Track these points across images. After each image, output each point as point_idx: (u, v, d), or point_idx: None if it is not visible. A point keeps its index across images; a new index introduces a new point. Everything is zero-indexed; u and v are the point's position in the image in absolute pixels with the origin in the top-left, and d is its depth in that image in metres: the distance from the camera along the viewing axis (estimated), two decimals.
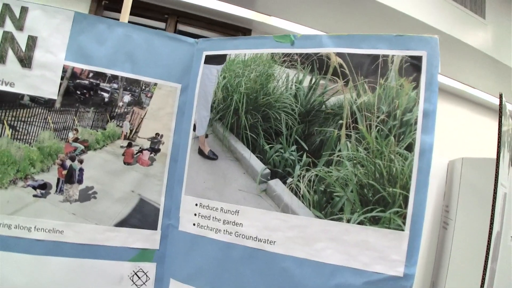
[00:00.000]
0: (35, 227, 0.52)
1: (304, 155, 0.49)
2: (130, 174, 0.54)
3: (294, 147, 0.49)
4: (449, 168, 0.89)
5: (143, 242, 0.55)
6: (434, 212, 0.88)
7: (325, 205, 0.47)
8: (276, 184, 0.50)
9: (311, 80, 0.49)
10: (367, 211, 0.46)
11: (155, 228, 0.55)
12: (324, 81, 0.49)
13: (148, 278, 0.57)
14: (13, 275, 0.52)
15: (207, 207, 0.53)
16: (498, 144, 0.59)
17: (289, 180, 0.49)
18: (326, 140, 0.48)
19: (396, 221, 0.45)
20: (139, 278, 0.56)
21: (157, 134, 0.55)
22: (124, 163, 0.54)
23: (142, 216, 0.55)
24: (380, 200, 0.45)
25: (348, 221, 0.46)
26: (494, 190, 0.62)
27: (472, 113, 1.44)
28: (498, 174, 0.62)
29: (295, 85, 0.50)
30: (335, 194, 0.47)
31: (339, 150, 0.47)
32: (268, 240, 0.50)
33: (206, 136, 0.54)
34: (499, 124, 0.59)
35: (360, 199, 0.46)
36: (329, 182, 0.47)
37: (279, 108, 0.50)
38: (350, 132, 0.47)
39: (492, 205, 0.62)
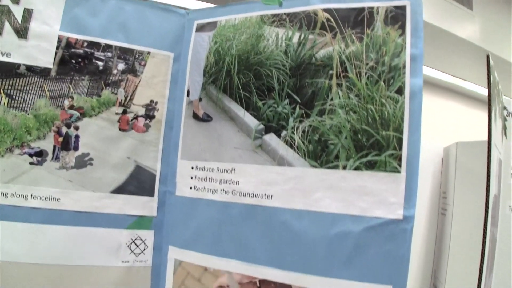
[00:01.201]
0: (31, 195, 0.52)
1: (297, 108, 0.50)
2: (125, 141, 0.55)
3: (286, 101, 0.51)
4: (444, 154, 0.89)
5: (140, 209, 0.56)
6: (432, 200, 0.88)
7: (320, 154, 0.48)
8: (270, 139, 0.51)
9: (300, 36, 0.51)
10: (362, 156, 0.47)
11: (152, 194, 0.56)
12: (313, 36, 0.51)
13: (146, 247, 0.57)
14: (10, 245, 0.52)
15: (203, 169, 0.54)
16: (489, 98, 0.61)
17: (284, 133, 0.50)
18: (318, 91, 0.49)
19: (391, 164, 0.46)
20: (137, 246, 0.56)
21: (151, 101, 0.56)
22: (120, 129, 0.55)
23: (138, 183, 0.55)
24: (375, 144, 0.46)
25: (344, 167, 0.47)
26: (488, 150, 0.63)
27: (464, 106, 1.46)
28: (491, 134, 0.63)
29: (285, 42, 0.52)
30: (329, 142, 0.48)
31: (331, 99, 0.49)
32: (265, 195, 0.50)
33: (200, 99, 0.55)
34: (488, 79, 0.60)
35: (355, 144, 0.47)
36: (323, 131, 0.49)
37: (270, 65, 0.52)
38: (341, 81, 0.49)
39: (488, 166, 0.63)
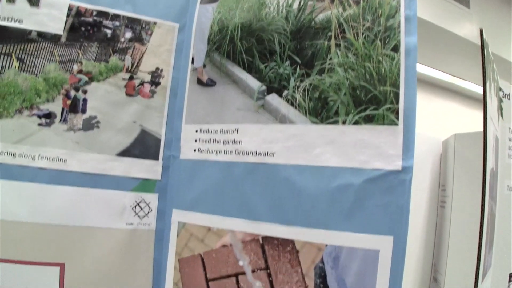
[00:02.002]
0: (39, 156, 0.54)
1: (298, 68, 0.53)
2: (131, 106, 0.58)
3: (287, 62, 0.54)
4: (443, 148, 0.90)
5: (145, 172, 0.58)
6: (431, 194, 0.89)
7: (320, 110, 0.51)
8: (272, 98, 0.54)
9: (300, 2, 0.55)
10: (361, 110, 0.49)
11: (156, 158, 0.58)
12: (312, 1, 0.54)
13: (150, 210, 0.58)
14: (16, 205, 0.54)
15: (207, 131, 0.57)
16: (483, 70, 0.64)
17: (285, 92, 0.53)
18: (317, 52, 0.53)
19: (389, 117, 0.48)
20: (141, 209, 0.58)
21: (157, 68, 0.59)
22: (126, 94, 0.58)
23: (143, 146, 0.58)
24: (373, 99, 0.49)
25: (344, 122, 0.50)
26: (484, 121, 0.66)
27: (462, 106, 1.50)
28: (486, 106, 0.66)
29: (286, 9, 0.55)
30: (329, 99, 0.51)
31: (330, 59, 0.52)
32: (267, 152, 0.53)
33: (204, 66, 0.59)
34: (482, 52, 0.64)
35: (353, 100, 0.50)
36: (323, 88, 0.51)
37: (272, 31, 0.55)
38: (339, 42, 0.52)
39: (484, 139, 0.65)
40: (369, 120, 0.49)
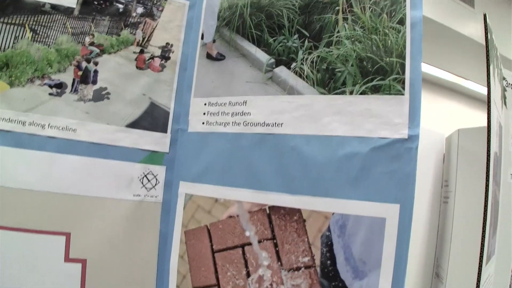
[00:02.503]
0: (49, 125, 0.56)
1: (306, 41, 0.55)
2: (141, 78, 0.60)
3: (296, 36, 0.56)
4: (446, 144, 0.92)
5: (153, 144, 0.59)
6: (434, 191, 0.90)
7: (328, 81, 0.53)
8: (281, 71, 0.55)
9: None
10: (368, 81, 0.51)
11: (165, 131, 0.60)
12: None
13: (157, 182, 0.59)
14: (25, 173, 0.55)
15: (215, 104, 0.58)
16: (486, 54, 0.66)
17: (293, 64, 0.55)
18: (325, 25, 0.54)
19: (395, 87, 0.50)
20: (148, 181, 0.59)
21: (167, 43, 0.61)
22: (136, 67, 0.60)
23: (152, 119, 0.59)
24: (379, 70, 0.51)
25: (351, 93, 0.52)
26: (488, 104, 0.67)
27: (466, 107, 1.51)
28: (490, 89, 0.67)
29: None
30: (336, 70, 0.53)
31: (338, 32, 0.54)
32: (275, 123, 0.54)
33: (214, 41, 0.60)
34: (485, 35, 0.66)
35: (361, 71, 0.52)
36: (331, 60, 0.53)
37: (281, 6, 0.57)
38: (347, 15, 0.54)
39: (488, 121, 0.67)
40: (375, 90, 0.51)
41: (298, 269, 0.52)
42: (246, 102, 0.56)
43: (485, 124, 0.65)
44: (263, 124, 0.55)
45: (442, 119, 1.22)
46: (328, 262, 0.51)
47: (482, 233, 0.64)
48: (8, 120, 0.55)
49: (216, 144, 0.57)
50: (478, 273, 0.63)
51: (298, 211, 0.52)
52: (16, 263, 0.55)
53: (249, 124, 0.56)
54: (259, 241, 0.54)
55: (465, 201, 0.80)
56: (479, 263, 0.63)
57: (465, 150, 0.84)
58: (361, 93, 0.51)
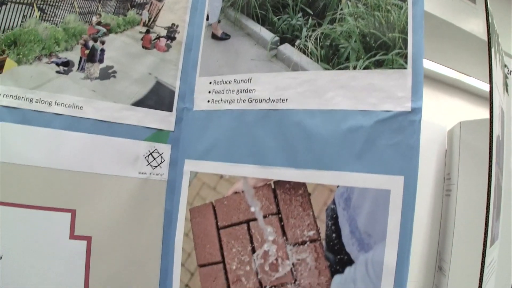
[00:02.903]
0: (55, 102, 0.57)
1: (310, 19, 0.56)
2: (147, 58, 0.61)
3: (300, 14, 0.57)
4: (448, 137, 0.92)
5: (158, 122, 0.60)
6: (436, 184, 0.90)
7: (331, 57, 0.54)
8: (285, 48, 0.57)
9: None
10: (371, 56, 0.53)
11: (170, 110, 0.61)
12: None
13: (163, 160, 0.60)
14: (31, 149, 0.56)
15: (220, 82, 0.59)
16: (488, 36, 0.67)
17: (297, 42, 0.56)
18: (329, 3, 0.56)
19: (398, 61, 0.51)
20: (154, 159, 0.60)
21: (173, 24, 0.63)
22: (143, 47, 0.61)
23: (158, 98, 0.60)
24: (382, 45, 0.52)
25: (354, 68, 0.53)
26: (490, 88, 0.68)
27: (467, 104, 1.53)
28: (491, 73, 0.69)
29: None
30: (340, 46, 0.54)
31: (341, 9, 0.55)
32: (280, 99, 0.56)
33: (219, 21, 0.62)
34: (486, 17, 0.68)
35: (364, 46, 0.53)
36: (334, 37, 0.55)
37: None
38: None
39: (490, 105, 0.68)
40: (378, 65, 0.52)
41: (303, 243, 0.53)
42: (251, 79, 0.58)
43: (487, 117, 0.66)
44: (267, 100, 0.56)
45: (444, 115, 1.23)
46: (334, 235, 0.52)
47: (486, 213, 0.64)
48: (15, 97, 0.56)
49: (221, 121, 0.58)
50: (483, 255, 0.64)
51: (303, 185, 0.53)
52: (21, 239, 0.56)
53: (254, 100, 0.57)
54: (264, 216, 0.55)
55: (467, 194, 0.81)
56: (483, 245, 0.64)
57: (466, 142, 0.85)
58: (364, 68, 0.52)
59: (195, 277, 0.59)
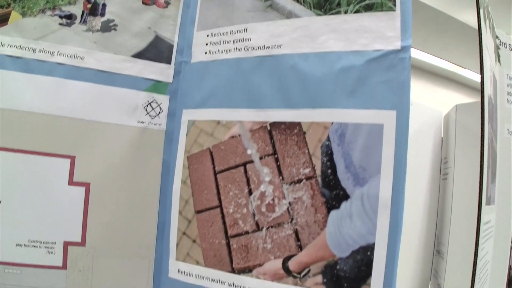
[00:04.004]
0: (58, 52, 0.60)
1: None
2: (147, 13, 0.64)
3: None
4: (444, 122, 0.95)
5: (157, 74, 0.63)
6: (433, 169, 0.92)
7: (323, 3, 0.58)
8: None
9: None
10: (361, 0, 0.57)
11: (169, 62, 0.64)
12: None
13: (161, 110, 0.63)
14: (33, 96, 0.59)
15: (217, 35, 0.63)
16: None
17: None
18: None
19: (387, 4, 0.55)
20: (153, 108, 0.63)
21: None
22: (143, 3, 0.64)
23: (157, 51, 0.64)
24: None
25: (346, 12, 0.57)
26: (480, 48, 0.72)
27: (463, 96, 1.56)
28: (481, 33, 0.73)
29: None
30: None
31: None
32: (275, 45, 0.59)
33: None
34: None
35: None
36: None
37: None
38: None
39: (481, 65, 0.72)
40: (368, 8, 0.56)
41: (299, 181, 0.56)
42: (246, 29, 0.61)
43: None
44: (263, 47, 0.60)
45: (440, 104, 1.26)
46: (329, 171, 0.54)
47: (481, 163, 0.67)
48: (19, 47, 0.60)
49: (218, 70, 0.62)
50: (478, 212, 0.66)
51: (298, 124, 0.56)
52: (20, 185, 0.58)
53: (249, 48, 0.60)
54: (261, 158, 0.58)
55: (463, 176, 0.83)
56: (479, 201, 0.66)
57: (462, 125, 0.88)
58: (355, 12, 0.56)
59: (192, 224, 0.61)
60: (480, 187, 0.67)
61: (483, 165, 0.68)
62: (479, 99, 0.68)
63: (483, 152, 0.68)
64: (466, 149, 0.85)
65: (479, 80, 1.60)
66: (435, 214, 0.95)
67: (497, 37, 0.89)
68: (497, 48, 0.88)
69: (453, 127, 0.89)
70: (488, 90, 0.74)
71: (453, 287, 0.82)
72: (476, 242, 0.67)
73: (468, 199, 0.79)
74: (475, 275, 0.66)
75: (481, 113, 0.70)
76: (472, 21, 1.39)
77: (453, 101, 1.51)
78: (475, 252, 0.67)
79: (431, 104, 0.96)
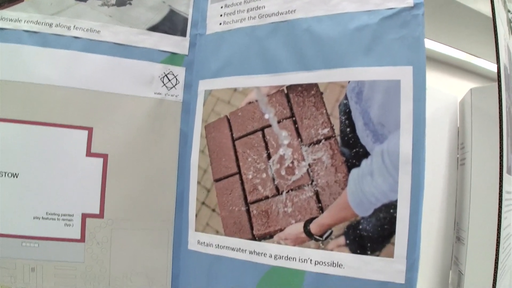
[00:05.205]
0: (74, 26, 0.63)
1: None
2: None
3: None
4: (460, 107, 0.96)
5: (173, 46, 0.66)
6: (450, 155, 0.93)
7: None
8: None
9: None
10: None
11: (184, 35, 0.67)
12: None
13: (177, 82, 0.66)
14: (51, 70, 0.61)
15: (231, 5, 0.65)
16: None
17: None
18: None
19: None
20: (169, 80, 0.66)
21: None
22: None
23: (172, 24, 0.67)
24: None
25: None
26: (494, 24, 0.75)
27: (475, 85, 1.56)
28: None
29: None
30: None
31: None
32: (289, 11, 0.61)
33: None
34: None
35: None
36: None
37: None
38: None
39: (494, 28, 0.74)
40: None
41: (318, 142, 0.58)
42: None
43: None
44: (277, 14, 0.62)
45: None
46: (348, 129, 0.56)
47: (500, 131, 0.68)
48: (36, 23, 0.63)
49: (233, 39, 0.64)
50: (500, 181, 0.67)
51: (315, 85, 0.58)
52: (38, 157, 0.60)
53: (263, 16, 0.63)
54: (279, 121, 0.60)
55: (481, 159, 0.84)
56: (500, 169, 0.68)
57: (478, 108, 0.89)
58: None
59: (211, 193, 0.63)
60: (500, 156, 0.68)
61: (502, 133, 0.69)
62: (494, 82, 0.70)
63: (502, 120, 0.70)
64: (483, 133, 0.85)
65: (493, 69, 1.63)
66: (453, 201, 0.96)
67: (509, 11, 0.91)
68: (509, 21, 0.91)
69: (469, 111, 0.90)
70: (503, 59, 0.76)
71: (475, 273, 0.83)
72: (499, 211, 0.68)
73: (487, 183, 0.79)
74: (499, 246, 0.67)
75: (498, 80, 0.71)
76: (485, 9, 1.42)
77: (467, 89, 1.53)
78: (498, 223, 0.67)
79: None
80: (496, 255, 0.67)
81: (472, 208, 0.87)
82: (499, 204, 0.68)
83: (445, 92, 0.99)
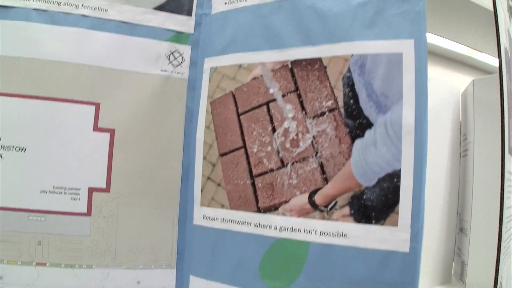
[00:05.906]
0: (82, 5, 0.65)
1: None
2: None
3: None
4: (462, 98, 0.99)
5: (179, 25, 0.68)
6: (452, 146, 0.95)
7: None
8: None
9: None
10: None
11: (190, 15, 0.69)
12: None
13: (183, 59, 0.68)
14: (59, 47, 0.63)
15: None
16: None
17: None
18: None
19: None
20: (175, 58, 0.68)
21: None
22: None
23: (177, 4, 0.68)
24: None
25: None
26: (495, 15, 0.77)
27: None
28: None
29: None
30: None
31: None
32: None
33: None
34: None
35: None
36: None
37: None
38: None
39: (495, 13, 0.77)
40: None
41: (322, 114, 0.60)
42: None
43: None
44: None
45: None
46: (351, 101, 0.59)
47: (501, 112, 0.71)
48: (44, 1, 0.64)
49: (237, 18, 0.67)
50: (502, 161, 0.69)
51: (319, 59, 0.61)
52: (46, 132, 0.61)
53: None
54: (283, 95, 0.62)
55: (483, 150, 0.87)
56: (502, 149, 0.70)
57: (480, 99, 0.91)
58: None
59: (216, 167, 0.65)
60: (502, 136, 0.71)
61: (503, 114, 0.72)
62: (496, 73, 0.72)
63: (503, 100, 0.72)
64: (485, 123, 0.88)
65: (495, 64, 1.65)
66: (456, 192, 0.97)
67: None
68: (510, 8, 0.94)
69: (471, 102, 0.92)
70: (504, 41, 0.78)
71: (477, 263, 0.85)
72: (501, 191, 0.69)
73: (490, 173, 0.82)
74: (501, 228, 0.68)
75: (499, 61, 0.74)
76: (488, 3, 1.44)
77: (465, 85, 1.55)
78: (500, 203, 0.69)
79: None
80: (499, 234, 0.68)
81: (475, 199, 0.89)
82: (501, 184, 0.70)
83: (448, 83, 1.01)
